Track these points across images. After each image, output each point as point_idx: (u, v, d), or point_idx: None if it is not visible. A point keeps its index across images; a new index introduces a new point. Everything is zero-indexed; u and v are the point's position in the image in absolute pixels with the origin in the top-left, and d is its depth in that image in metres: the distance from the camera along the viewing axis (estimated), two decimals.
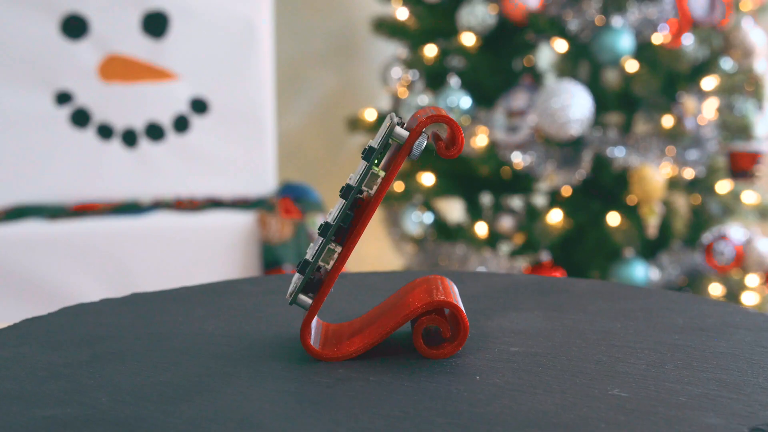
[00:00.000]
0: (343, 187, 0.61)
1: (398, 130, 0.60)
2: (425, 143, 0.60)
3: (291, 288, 0.63)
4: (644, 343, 0.66)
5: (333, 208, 0.64)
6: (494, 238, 2.12)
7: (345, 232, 0.61)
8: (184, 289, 0.83)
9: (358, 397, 0.56)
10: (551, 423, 0.52)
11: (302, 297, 0.61)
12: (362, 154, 0.60)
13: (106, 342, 0.68)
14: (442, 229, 2.17)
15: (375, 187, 0.60)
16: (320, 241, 0.61)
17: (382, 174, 0.60)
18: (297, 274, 0.63)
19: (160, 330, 0.70)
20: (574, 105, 1.81)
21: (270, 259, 1.86)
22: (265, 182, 2.10)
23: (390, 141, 0.60)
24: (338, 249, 0.61)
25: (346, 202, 0.60)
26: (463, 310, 0.62)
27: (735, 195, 2.06)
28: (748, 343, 0.66)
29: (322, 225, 0.61)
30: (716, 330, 0.69)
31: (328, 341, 0.64)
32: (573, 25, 1.93)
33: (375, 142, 0.62)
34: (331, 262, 0.61)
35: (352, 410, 0.54)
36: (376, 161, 0.61)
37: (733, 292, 2.04)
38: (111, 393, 0.57)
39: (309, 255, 0.61)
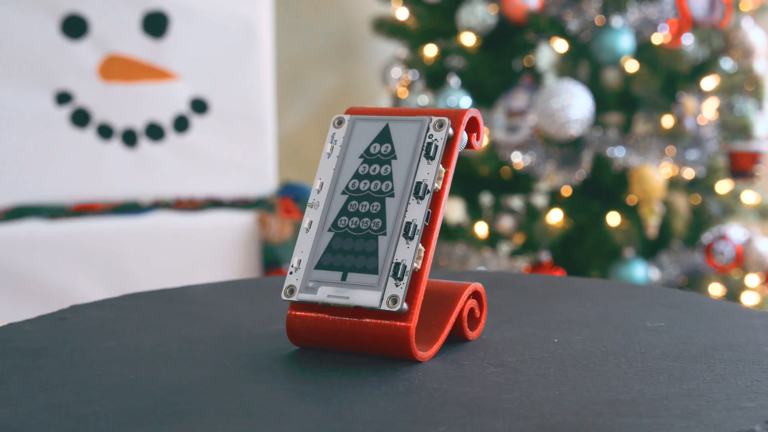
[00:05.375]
0: (415, 185, 0.61)
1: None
2: (466, 139, 0.63)
3: (369, 296, 0.60)
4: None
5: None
6: (494, 238, 2.12)
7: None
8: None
9: (515, 382, 0.56)
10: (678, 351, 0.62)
11: (406, 305, 0.60)
12: (425, 152, 0.62)
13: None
14: (442, 229, 2.17)
15: (440, 182, 0.61)
16: (396, 241, 0.60)
17: (443, 170, 0.62)
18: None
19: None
20: (574, 105, 1.81)
21: (270, 259, 1.86)
22: (265, 182, 2.10)
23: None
24: (423, 248, 0.60)
25: (426, 201, 0.61)
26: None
27: (735, 195, 2.05)
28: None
29: (407, 225, 0.60)
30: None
31: None
32: (573, 25, 1.93)
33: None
34: (420, 262, 0.60)
35: (539, 393, 0.54)
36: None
37: (733, 292, 2.04)
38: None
39: (395, 258, 0.60)
